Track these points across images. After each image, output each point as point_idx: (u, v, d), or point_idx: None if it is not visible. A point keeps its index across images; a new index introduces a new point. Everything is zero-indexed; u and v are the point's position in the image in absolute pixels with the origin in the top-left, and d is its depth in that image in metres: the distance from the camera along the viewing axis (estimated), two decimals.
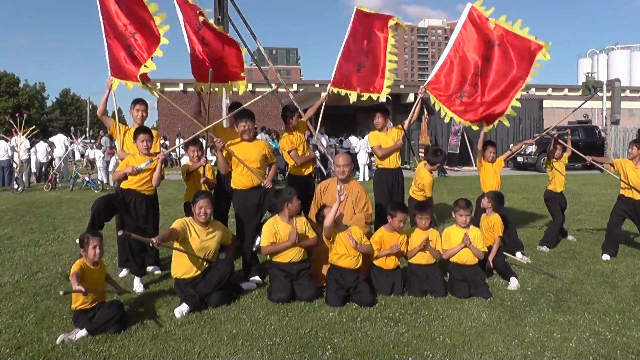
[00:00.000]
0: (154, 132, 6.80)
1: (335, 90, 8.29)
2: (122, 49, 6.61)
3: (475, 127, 7.65)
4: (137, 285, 6.09)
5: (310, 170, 7.51)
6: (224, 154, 6.43)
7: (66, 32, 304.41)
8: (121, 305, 5.07)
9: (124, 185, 6.22)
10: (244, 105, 6.55)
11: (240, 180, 6.46)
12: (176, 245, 5.46)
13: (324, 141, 20.92)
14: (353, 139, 21.60)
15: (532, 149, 23.33)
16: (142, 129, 6.38)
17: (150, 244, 5.04)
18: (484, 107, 7.31)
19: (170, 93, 39.70)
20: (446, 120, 7.67)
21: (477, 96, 7.32)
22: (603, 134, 25.83)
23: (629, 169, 7.57)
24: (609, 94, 30.13)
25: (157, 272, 6.72)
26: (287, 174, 7.86)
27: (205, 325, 4.96)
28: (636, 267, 7.02)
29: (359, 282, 5.63)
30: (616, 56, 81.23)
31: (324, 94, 8.12)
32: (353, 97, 8.26)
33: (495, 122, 7.44)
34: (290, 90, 9.30)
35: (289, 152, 7.27)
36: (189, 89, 39.77)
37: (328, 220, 5.53)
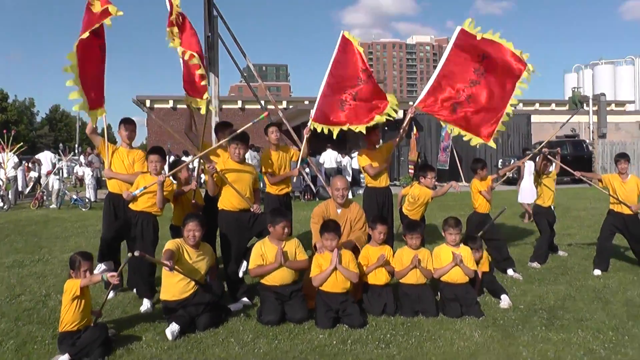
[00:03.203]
0: (142, 152, 6.75)
1: (319, 127, 7.34)
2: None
3: (472, 141, 7.33)
4: (146, 305, 6.04)
5: (286, 190, 7.41)
6: (215, 177, 6.35)
7: (57, 47, 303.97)
8: (106, 328, 4.96)
9: (133, 206, 6.27)
10: (240, 130, 6.47)
11: (231, 201, 6.36)
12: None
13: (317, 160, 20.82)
14: (332, 154, 20.96)
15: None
16: (153, 149, 6.47)
17: (166, 267, 5.12)
18: (477, 119, 7.16)
19: (160, 110, 39.67)
20: (451, 133, 7.33)
21: (471, 108, 7.15)
22: (590, 148, 26.02)
23: (617, 184, 7.62)
24: (595, 108, 30.39)
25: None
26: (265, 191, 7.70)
27: (192, 349, 4.85)
28: (628, 282, 6.99)
29: (348, 304, 5.55)
30: (601, 71, 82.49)
31: (307, 130, 7.36)
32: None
33: (491, 140, 7.22)
34: (280, 107, 9.20)
35: (264, 173, 7.24)
36: (179, 106, 39.74)
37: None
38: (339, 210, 6.45)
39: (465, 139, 7.10)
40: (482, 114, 7.06)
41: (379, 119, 6.97)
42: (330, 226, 5.76)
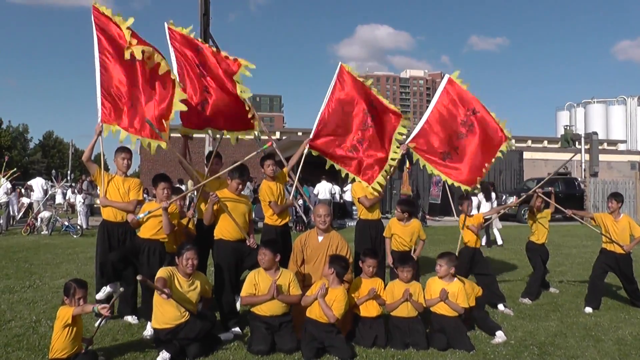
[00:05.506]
0: (137, 180, 6.78)
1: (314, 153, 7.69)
2: (145, 97, 6.77)
3: (456, 184, 7.88)
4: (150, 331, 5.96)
5: (286, 220, 7.31)
6: (215, 207, 6.38)
7: (52, 74, 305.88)
8: (96, 356, 4.93)
9: (141, 234, 6.37)
10: (242, 160, 6.54)
11: (229, 230, 6.40)
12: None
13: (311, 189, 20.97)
14: (326, 185, 21.37)
15: (512, 199, 23.60)
16: (161, 177, 6.56)
17: (163, 295, 5.14)
18: (464, 170, 7.64)
19: None
20: (428, 171, 7.90)
21: (459, 160, 7.67)
22: (582, 186, 26.22)
23: (609, 223, 7.70)
24: (587, 147, 30.74)
25: (134, 322, 6.54)
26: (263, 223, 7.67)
27: None
28: (619, 320, 7.00)
29: (333, 335, 5.54)
30: (593, 110, 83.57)
31: (304, 145, 7.69)
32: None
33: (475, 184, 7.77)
34: (273, 137, 9.33)
35: (269, 203, 7.11)
36: (171, 135, 39.80)
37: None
38: (320, 238, 6.45)
39: (449, 182, 7.64)
40: (469, 164, 7.57)
41: (380, 180, 7.43)
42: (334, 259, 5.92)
